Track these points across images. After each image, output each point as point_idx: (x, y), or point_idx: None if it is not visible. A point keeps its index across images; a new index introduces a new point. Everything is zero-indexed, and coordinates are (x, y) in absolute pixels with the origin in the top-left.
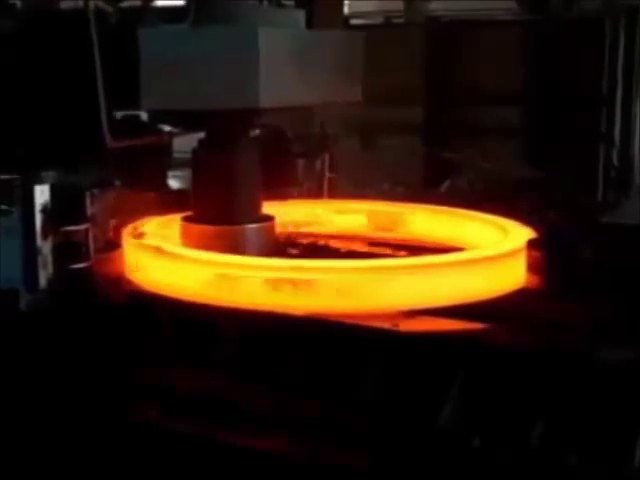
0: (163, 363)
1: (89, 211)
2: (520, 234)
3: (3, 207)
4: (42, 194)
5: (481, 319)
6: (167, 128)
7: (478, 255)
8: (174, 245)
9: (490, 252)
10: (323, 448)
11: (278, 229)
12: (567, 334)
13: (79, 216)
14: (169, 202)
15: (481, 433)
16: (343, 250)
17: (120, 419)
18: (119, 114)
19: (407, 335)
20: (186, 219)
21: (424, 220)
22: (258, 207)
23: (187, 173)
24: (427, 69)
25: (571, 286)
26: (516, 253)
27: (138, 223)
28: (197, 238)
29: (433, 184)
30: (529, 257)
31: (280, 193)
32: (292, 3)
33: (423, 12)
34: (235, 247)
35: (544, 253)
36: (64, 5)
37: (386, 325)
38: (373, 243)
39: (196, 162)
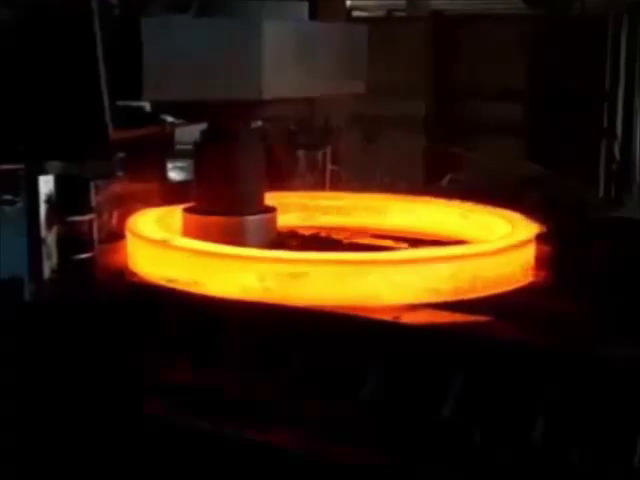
0: (166, 355)
1: (94, 202)
2: (527, 228)
3: (8, 197)
4: (46, 184)
5: (486, 314)
6: (169, 119)
7: (484, 249)
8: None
9: (497, 246)
10: (324, 442)
11: None
12: (570, 330)
13: (84, 207)
14: (172, 193)
15: (482, 428)
16: (345, 242)
17: (125, 412)
18: (122, 105)
19: (409, 328)
20: (188, 210)
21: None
22: (260, 198)
23: (189, 164)
24: (430, 64)
25: (578, 282)
26: (524, 247)
27: (139, 214)
28: (199, 229)
29: (435, 178)
30: (537, 251)
31: (281, 185)
32: None
33: (425, 6)
34: (236, 238)
35: (552, 248)
36: None
37: (387, 318)
38: (375, 235)
39: (198, 153)
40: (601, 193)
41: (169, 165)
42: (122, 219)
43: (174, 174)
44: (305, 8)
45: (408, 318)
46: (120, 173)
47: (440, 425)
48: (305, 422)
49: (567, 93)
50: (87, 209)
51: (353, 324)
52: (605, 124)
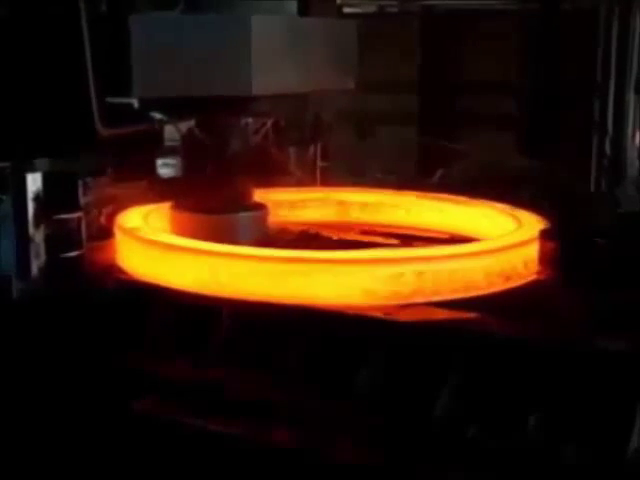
0: (154, 352)
1: (82, 199)
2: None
3: None
4: (34, 182)
5: (486, 311)
6: (159, 116)
7: (489, 246)
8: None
9: (501, 243)
10: (321, 438)
11: None
12: (565, 324)
13: (72, 204)
14: (161, 190)
15: (478, 423)
16: (335, 239)
17: (108, 409)
18: (111, 102)
19: (405, 325)
20: (176, 207)
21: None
22: (250, 195)
23: (179, 161)
24: (421, 58)
25: (581, 276)
26: (528, 244)
27: (127, 211)
28: (187, 226)
29: (426, 173)
30: (542, 248)
31: (272, 181)
32: None
33: (417, 2)
34: (225, 235)
35: (557, 244)
36: None
37: (382, 315)
38: (365, 232)
39: (187, 150)
40: (592, 188)
41: (158, 162)
42: (111, 216)
43: (164, 171)
44: (294, 4)
45: (401, 315)
46: (109, 170)
47: (437, 423)
48: (300, 417)
49: (559, 87)
50: (75, 207)
51: (352, 322)
52: (596, 119)
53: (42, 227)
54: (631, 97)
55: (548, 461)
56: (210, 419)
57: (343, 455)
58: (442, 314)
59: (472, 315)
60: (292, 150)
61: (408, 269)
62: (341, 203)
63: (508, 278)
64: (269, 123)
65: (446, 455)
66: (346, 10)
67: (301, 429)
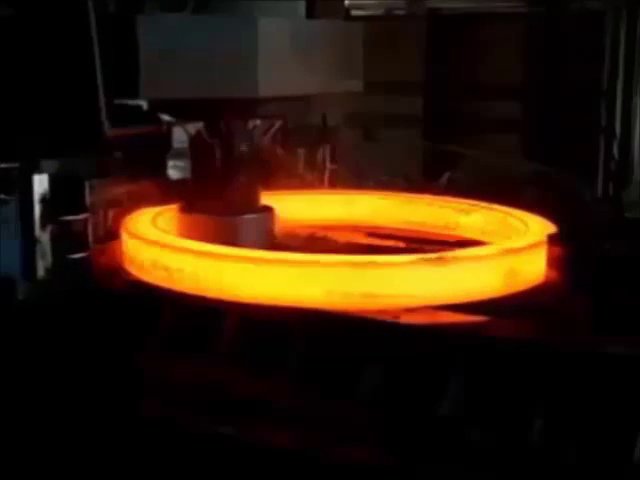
0: (160, 355)
1: (88, 201)
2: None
3: (2, 196)
4: (41, 183)
5: (487, 314)
6: (167, 117)
7: (496, 250)
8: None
9: (509, 247)
10: (323, 439)
11: None
12: (568, 328)
13: (78, 206)
14: (169, 192)
15: (479, 424)
16: (342, 242)
17: (116, 410)
18: (119, 103)
19: (408, 327)
20: (183, 209)
21: None
22: (257, 198)
23: (187, 163)
24: (428, 62)
25: (586, 280)
26: (536, 248)
27: (135, 213)
28: (195, 228)
29: (433, 177)
30: (550, 252)
31: (280, 184)
32: None
33: (424, 4)
34: (232, 238)
35: (565, 248)
36: None
37: (387, 318)
38: (371, 234)
39: (194, 152)
40: (599, 192)
41: (167, 164)
42: (118, 218)
43: (172, 173)
44: (302, 6)
45: (407, 318)
46: (117, 172)
47: (439, 424)
48: (305, 422)
49: (566, 91)
50: (82, 208)
51: (354, 324)
52: (604, 122)
53: (48, 228)
54: (638, 101)
55: (549, 462)
56: (211, 420)
57: (343, 455)
58: (444, 317)
59: (474, 318)
60: (301, 152)
61: None
62: None
63: (514, 282)
64: (277, 125)
65: (446, 455)
66: (354, 12)
67: (301, 429)
